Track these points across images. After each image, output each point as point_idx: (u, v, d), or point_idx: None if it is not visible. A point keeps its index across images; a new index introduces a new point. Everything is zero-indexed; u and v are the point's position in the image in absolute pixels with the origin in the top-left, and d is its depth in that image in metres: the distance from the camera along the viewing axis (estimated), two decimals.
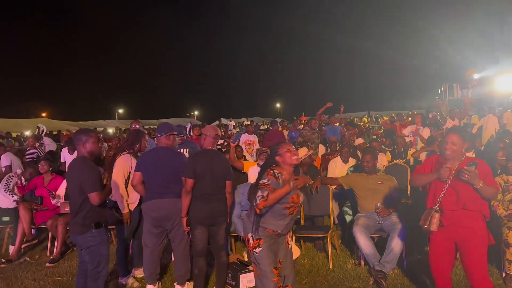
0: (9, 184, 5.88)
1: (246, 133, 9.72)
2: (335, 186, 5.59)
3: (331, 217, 5.19)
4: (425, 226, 3.27)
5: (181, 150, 5.74)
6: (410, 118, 11.25)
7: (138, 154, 4.44)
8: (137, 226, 4.37)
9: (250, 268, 4.18)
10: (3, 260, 5.24)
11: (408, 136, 8.59)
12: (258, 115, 42.03)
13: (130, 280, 4.43)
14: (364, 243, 4.46)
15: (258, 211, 3.03)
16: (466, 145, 3.33)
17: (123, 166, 4.25)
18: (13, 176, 5.94)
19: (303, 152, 5.80)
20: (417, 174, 3.46)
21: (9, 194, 5.80)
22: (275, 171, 3.12)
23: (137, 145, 4.43)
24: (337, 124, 10.54)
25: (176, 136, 4.09)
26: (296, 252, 4.39)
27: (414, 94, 38.41)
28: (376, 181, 4.88)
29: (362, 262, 4.65)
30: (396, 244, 4.31)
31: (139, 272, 4.66)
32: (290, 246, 3.38)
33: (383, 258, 4.36)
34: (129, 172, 4.25)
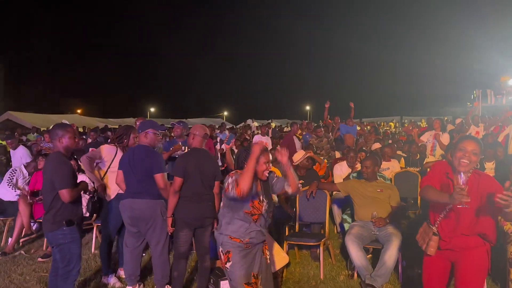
0: (12, 179, 5.97)
1: (259, 135, 9.57)
2: (335, 192, 5.34)
3: (327, 225, 4.94)
4: (423, 247, 2.96)
5: (183, 148, 5.66)
6: (426, 125, 10.68)
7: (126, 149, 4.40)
8: (122, 223, 4.29)
9: None
10: None
11: (426, 142, 8.16)
12: (286, 117, 41.76)
13: (113, 280, 4.35)
14: (356, 254, 4.20)
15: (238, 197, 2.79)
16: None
17: (106, 151, 4.37)
18: (16, 170, 6.03)
19: (299, 155, 5.59)
20: (428, 188, 2.88)
21: (12, 188, 5.89)
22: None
23: (125, 140, 4.39)
24: (352, 125, 10.21)
25: (156, 134, 3.96)
26: (283, 259, 4.18)
27: (449, 100, 36.98)
28: (375, 189, 4.60)
29: (356, 274, 4.39)
30: (389, 257, 4.03)
31: (124, 272, 4.59)
32: (268, 260, 3.13)
33: (374, 271, 4.08)
34: (111, 161, 4.33)
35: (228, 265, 2.92)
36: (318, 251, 5.17)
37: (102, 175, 4.37)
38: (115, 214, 4.20)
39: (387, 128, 21.82)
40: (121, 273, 4.56)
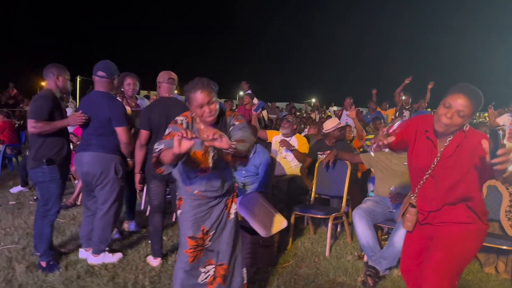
0: None
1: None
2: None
3: (344, 199, 4.38)
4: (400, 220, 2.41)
5: None
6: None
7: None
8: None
9: None
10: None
11: (503, 125, 6.99)
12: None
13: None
14: (362, 231, 3.64)
15: (153, 167, 2.37)
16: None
17: None
18: None
19: (332, 123, 5.05)
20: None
21: None
22: (182, 118, 2.46)
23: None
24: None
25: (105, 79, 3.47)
26: (279, 222, 3.78)
27: None
28: (401, 162, 3.93)
29: (366, 256, 3.82)
30: (399, 239, 3.40)
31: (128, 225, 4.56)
32: (232, 217, 2.69)
33: (380, 252, 3.51)
34: None
35: (178, 212, 2.62)
36: (336, 227, 4.68)
37: None
38: None
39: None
40: (125, 226, 4.54)
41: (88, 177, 3.48)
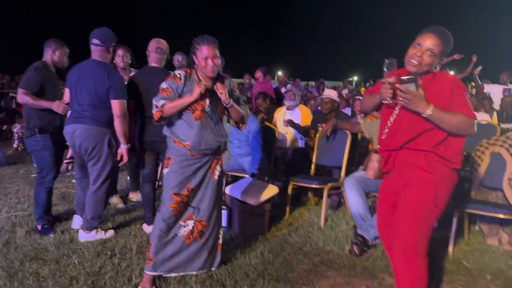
0: None
1: None
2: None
3: (343, 170, 4.25)
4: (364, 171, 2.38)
5: None
6: None
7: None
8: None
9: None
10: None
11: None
12: None
13: (115, 200, 4.48)
14: (353, 199, 3.55)
15: (154, 121, 2.59)
16: (444, 61, 2.19)
17: None
18: None
19: (329, 92, 4.93)
20: (365, 95, 2.42)
21: None
22: (180, 72, 2.61)
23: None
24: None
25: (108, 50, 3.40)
26: (270, 189, 3.78)
27: None
28: None
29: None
30: None
31: (134, 196, 4.69)
32: (215, 178, 2.77)
33: (369, 221, 3.41)
34: None
35: (165, 171, 2.68)
36: (339, 198, 4.60)
37: None
38: None
39: None
40: (131, 196, 4.68)
41: (80, 151, 3.38)
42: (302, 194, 4.80)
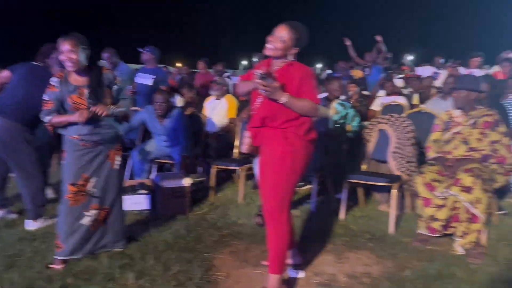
0: None
1: None
2: None
3: None
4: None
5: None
6: None
7: None
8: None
9: (144, 191, 4.12)
10: None
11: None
12: None
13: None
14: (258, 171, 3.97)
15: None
16: (295, 50, 2.57)
17: None
18: None
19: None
20: (241, 81, 2.83)
21: None
22: (53, 79, 2.90)
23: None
24: None
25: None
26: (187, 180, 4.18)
27: None
28: None
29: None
30: None
31: None
32: (115, 167, 3.10)
33: None
34: None
35: (62, 164, 3.00)
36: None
37: None
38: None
39: None
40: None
41: None
42: (230, 177, 5.21)
